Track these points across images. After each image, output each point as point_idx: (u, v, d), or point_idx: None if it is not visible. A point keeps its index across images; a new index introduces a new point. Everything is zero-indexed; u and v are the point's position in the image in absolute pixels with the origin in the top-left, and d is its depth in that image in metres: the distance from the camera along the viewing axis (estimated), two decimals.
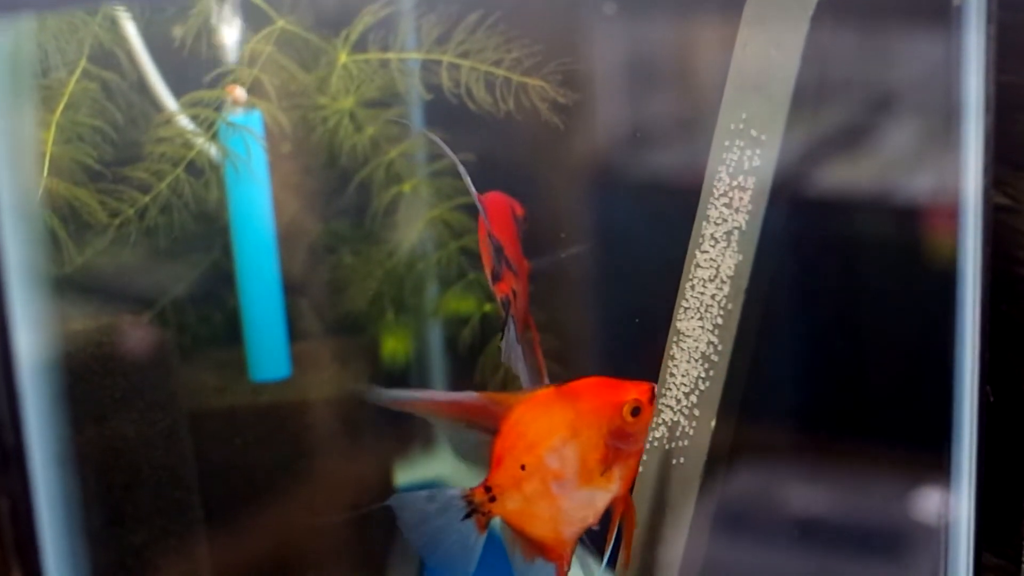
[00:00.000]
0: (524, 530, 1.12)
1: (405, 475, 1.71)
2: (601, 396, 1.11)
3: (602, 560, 1.16)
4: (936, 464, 1.24)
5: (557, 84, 1.42)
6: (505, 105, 1.44)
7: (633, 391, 1.11)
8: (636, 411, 1.10)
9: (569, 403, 1.11)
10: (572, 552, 1.14)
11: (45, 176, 1.31)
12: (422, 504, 1.12)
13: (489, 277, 1.31)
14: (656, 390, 1.13)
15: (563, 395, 1.11)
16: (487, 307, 1.61)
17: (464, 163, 1.26)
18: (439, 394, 1.14)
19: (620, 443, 1.11)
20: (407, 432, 1.76)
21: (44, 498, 0.95)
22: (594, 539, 1.17)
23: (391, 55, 1.50)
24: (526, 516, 1.12)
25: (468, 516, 1.12)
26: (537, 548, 1.13)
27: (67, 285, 1.39)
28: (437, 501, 1.12)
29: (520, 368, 1.28)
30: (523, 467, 1.11)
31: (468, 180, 1.25)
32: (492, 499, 1.11)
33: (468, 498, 1.12)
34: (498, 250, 1.28)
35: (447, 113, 1.48)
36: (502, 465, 1.11)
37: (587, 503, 1.12)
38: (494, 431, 1.11)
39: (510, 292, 1.29)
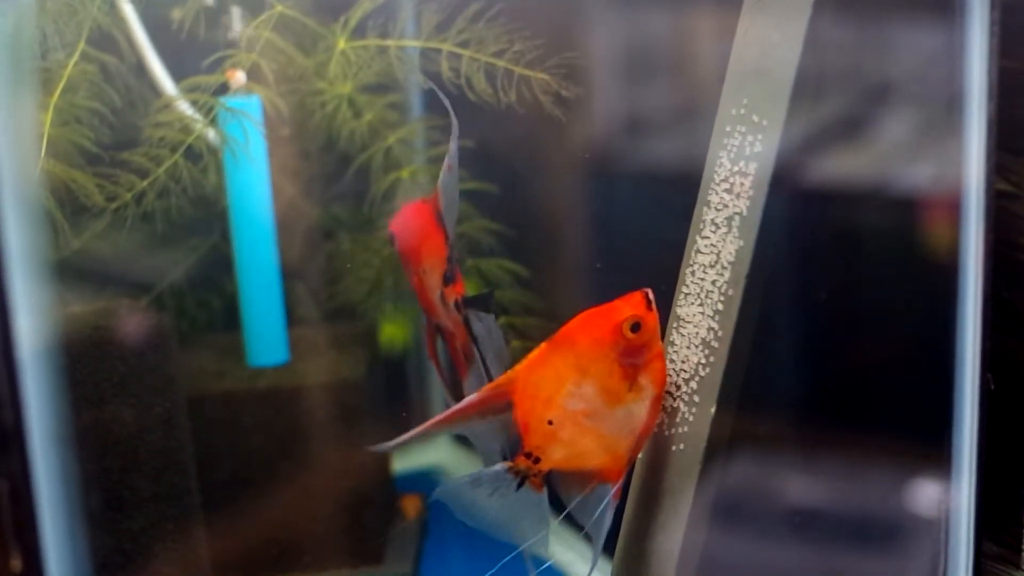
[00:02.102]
0: (580, 468, 1.13)
1: (403, 462, 1.71)
2: (594, 329, 1.11)
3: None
4: (937, 452, 1.24)
5: (560, 77, 1.42)
6: (507, 97, 1.43)
7: (625, 309, 1.11)
8: (636, 326, 1.10)
9: (567, 349, 1.11)
10: (630, 463, 1.15)
11: (42, 158, 1.31)
12: (468, 491, 1.13)
13: (440, 281, 1.31)
14: (650, 294, 1.12)
15: (558, 345, 1.12)
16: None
17: (462, 149, 1.26)
18: (439, 416, 1.14)
19: (634, 358, 1.11)
20: (405, 418, 1.76)
21: (43, 481, 0.95)
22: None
23: (390, 42, 1.50)
24: (576, 456, 1.13)
25: (521, 485, 1.13)
26: (594, 476, 1.14)
27: (65, 269, 1.38)
28: (483, 483, 1.13)
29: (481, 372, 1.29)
30: (550, 422, 1.12)
31: (454, 167, 1.26)
32: (536, 460, 1.13)
33: (514, 470, 1.13)
34: (451, 253, 1.29)
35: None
36: (530, 429, 1.12)
37: (628, 417, 1.13)
38: (510, 405, 1.12)
39: (459, 296, 1.30)
